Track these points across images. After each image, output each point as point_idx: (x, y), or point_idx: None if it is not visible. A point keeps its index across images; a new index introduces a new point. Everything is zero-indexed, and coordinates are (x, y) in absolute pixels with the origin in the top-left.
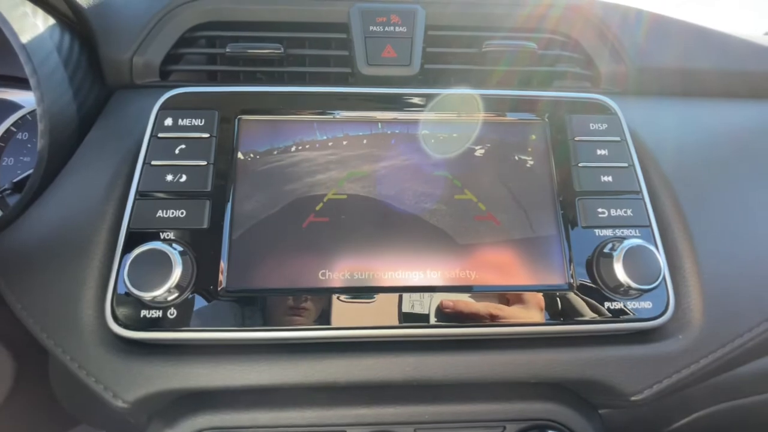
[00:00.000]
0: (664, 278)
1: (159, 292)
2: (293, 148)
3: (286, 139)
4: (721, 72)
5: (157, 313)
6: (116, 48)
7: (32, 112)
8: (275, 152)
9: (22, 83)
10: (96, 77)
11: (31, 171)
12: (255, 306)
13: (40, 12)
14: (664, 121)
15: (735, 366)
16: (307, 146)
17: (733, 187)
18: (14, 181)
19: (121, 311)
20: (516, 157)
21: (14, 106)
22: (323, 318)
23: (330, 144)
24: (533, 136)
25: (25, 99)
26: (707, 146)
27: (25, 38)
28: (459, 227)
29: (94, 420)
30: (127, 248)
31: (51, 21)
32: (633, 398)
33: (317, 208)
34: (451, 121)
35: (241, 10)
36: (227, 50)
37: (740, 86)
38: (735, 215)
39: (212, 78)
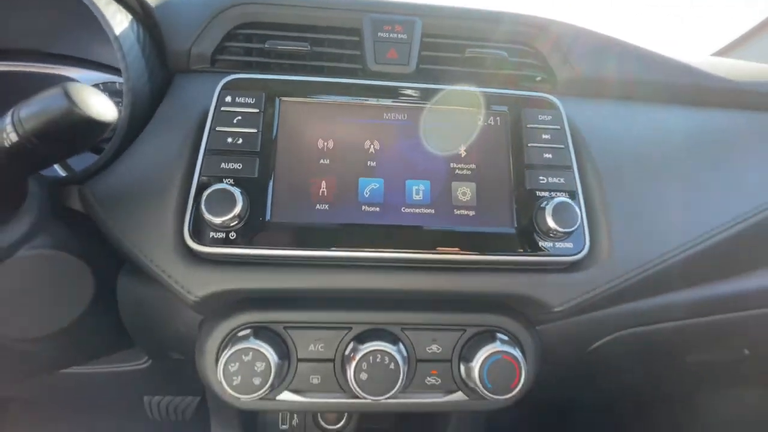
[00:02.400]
0: (581, 225)
1: (226, 218)
2: (320, 122)
3: (314, 115)
4: (646, 82)
5: (221, 235)
6: (178, 40)
7: None
8: (307, 124)
9: (78, 62)
10: (162, 63)
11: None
12: (291, 233)
13: (122, 8)
14: (599, 115)
15: (635, 298)
16: (330, 121)
17: (647, 169)
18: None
19: (196, 232)
20: (485, 137)
21: (72, 81)
22: (340, 243)
23: (347, 119)
24: (498, 123)
25: (81, 75)
26: (630, 136)
27: (117, 30)
28: (443, 187)
29: (149, 340)
30: (200, 188)
31: (130, 16)
32: (556, 309)
33: (337, 164)
34: (438, 109)
35: (276, 14)
36: (265, 45)
37: (664, 95)
38: (644, 187)
39: (249, 66)
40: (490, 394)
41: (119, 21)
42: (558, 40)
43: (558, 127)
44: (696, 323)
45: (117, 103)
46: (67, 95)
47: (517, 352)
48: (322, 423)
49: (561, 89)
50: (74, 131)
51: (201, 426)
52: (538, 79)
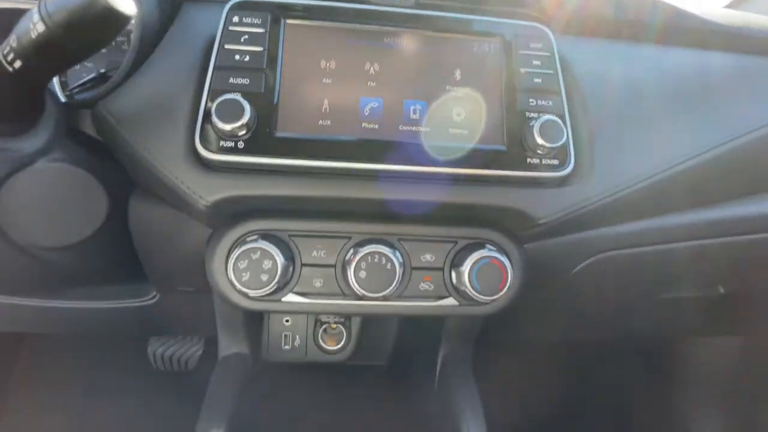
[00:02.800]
0: (567, 143)
1: (235, 125)
2: (322, 44)
3: (317, 37)
4: (638, 23)
5: (230, 144)
6: None
7: None
8: (310, 45)
9: None
10: None
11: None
12: (295, 145)
13: None
14: (590, 50)
15: (614, 221)
16: (332, 43)
17: (633, 99)
18: (101, 71)
19: (206, 141)
20: (479, 63)
21: None
22: (341, 155)
23: (349, 42)
24: (492, 49)
25: None
26: (618, 69)
27: None
28: (439, 107)
29: (159, 266)
30: (209, 99)
31: None
32: (541, 221)
33: (339, 83)
34: (435, 36)
35: None
36: None
37: (658, 36)
38: (628, 115)
39: None
40: (479, 295)
41: None
42: None
43: (548, 54)
44: (671, 249)
45: (128, 32)
46: None
47: (504, 258)
48: (322, 344)
49: (555, 26)
50: (97, 23)
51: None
52: (531, 9)
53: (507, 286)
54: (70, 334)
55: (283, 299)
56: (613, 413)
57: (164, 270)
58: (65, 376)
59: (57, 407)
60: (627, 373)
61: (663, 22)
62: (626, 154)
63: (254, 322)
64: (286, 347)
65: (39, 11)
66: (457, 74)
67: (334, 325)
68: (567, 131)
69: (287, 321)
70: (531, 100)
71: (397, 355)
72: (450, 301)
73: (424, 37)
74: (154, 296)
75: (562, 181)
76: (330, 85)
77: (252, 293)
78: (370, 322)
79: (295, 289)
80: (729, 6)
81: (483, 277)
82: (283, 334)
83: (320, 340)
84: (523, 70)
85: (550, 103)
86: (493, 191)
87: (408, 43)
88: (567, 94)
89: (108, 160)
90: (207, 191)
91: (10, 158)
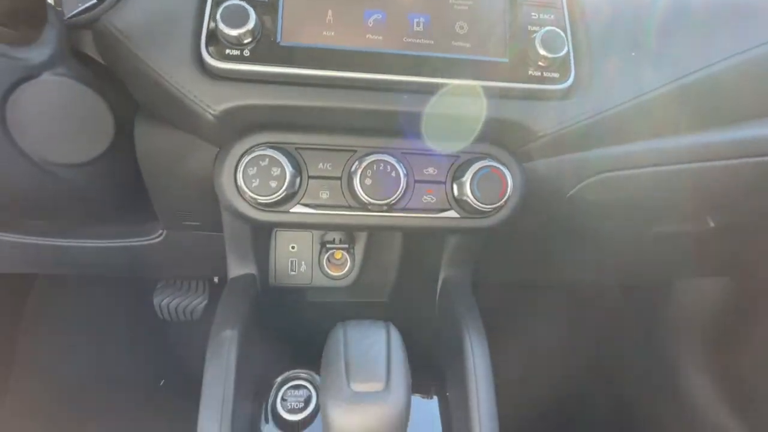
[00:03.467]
0: (568, 56)
1: (241, 31)
2: None
3: None
4: None
5: (236, 52)
6: None
7: None
8: None
9: None
10: None
11: None
12: (300, 53)
13: None
14: None
15: (611, 142)
16: None
17: (634, 18)
18: None
19: (212, 48)
20: None
21: None
22: (345, 65)
23: None
24: None
25: None
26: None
27: None
28: (442, 21)
29: (165, 196)
30: (213, 5)
31: None
32: (540, 134)
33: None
34: None
35: None
36: None
37: None
38: (629, 33)
39: None
40: (480, 204)
41: None
42: None
43: None
44: (666, 172)
45: None
46: None
47: (503, 168)
48: (327, 270)
49: None
50: None
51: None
52: None
53: (507, 195)
54: (78, 277)
55: (291, 210)
56: (602, 353)
57: (171, 199)
58: (74, 320)
59: (66, 349)
60: (617, 315)
61: None
62: (626, 69)
63: (262, 245)
64: (293, 272)
65: None
66: None
67: (338, 254)
68: (568, 43)
69: (293, 247)
70: (533, 13)
71: (397, 292)
72: (452, 213)
73: None
74: (161, 234)
75: (563, 95)
76: None
77: (261, 199)
78: (371, 254)
79: (303, 201)
80: None
81: (483, 185)
82: (289, 260)
83: (325, 266)
84: None
85: (552, 16)
86: (493, 103)
87: None
88: (568, 5)
89: (110, 83)
90: (214, 100)
91: (16, 66)
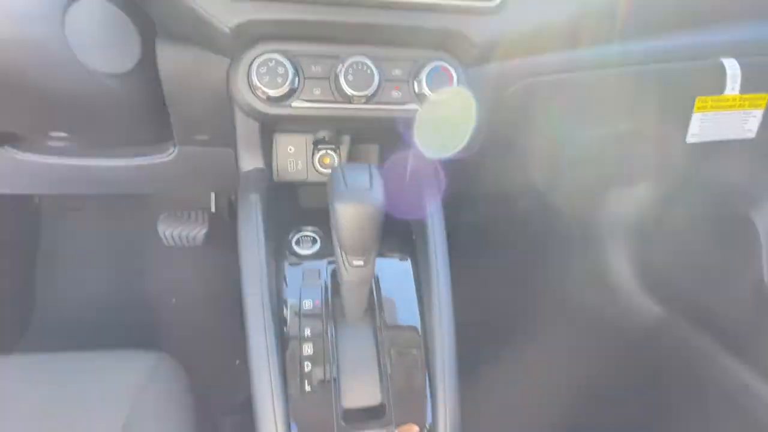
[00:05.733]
0: None
1: None
2: None
3: None
4: None
5: None
6: None
7: None
8: None
9: None
10: None
11: None
12: None
13: None
14: None
15: (534, 52)
16: None
17: None
18: None
19: None
20: None
21: None
22: None
23: None
24: None
25: None
26: None
27: None
28: None
29: (182, 109)
30: None
31: None
32: (475, 41)
33: None
34: None
35: None
36: None
37: None
38: None
39: None
40: (431, 92)
41: None
42: None
43: None
44: (579, 77)
45: None
46: None
47: (451, 68)
48: (319, 167)
49: None
50: None
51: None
52: None
53: (454, 83)
54: (89, 204)
55: (293, 104)
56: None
57: (188, 113)
58: (87, 249)
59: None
60: (555, 224)
61: None
62: None
63: (267, 143)
64: (291, 170)
65: None
66: None
67: (326, 159)
68: None
69: (291, 149)
70: None
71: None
72: (413, 105)
73: None
74: (172, 152)
75: (493, 11)
76: None
77: (271, 93)
78: (353, 156)
79: (301, 97)
80: None
81: (435, 80)
82: (288, 160)
83: (317, 165)
84: None
85: None
86: (440, 16)
87: None
88: None
89: (137, 8)
90: (230, 16)
91: None
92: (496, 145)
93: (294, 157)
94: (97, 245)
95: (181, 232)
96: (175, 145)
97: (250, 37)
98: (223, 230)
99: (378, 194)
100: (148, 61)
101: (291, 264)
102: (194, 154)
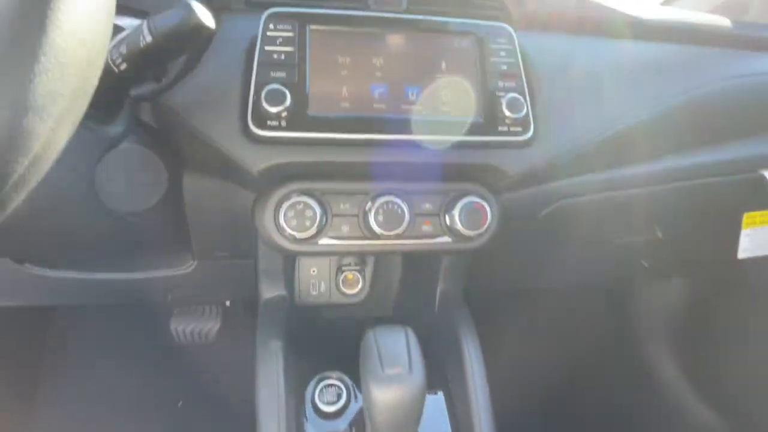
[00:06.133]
0: (528, 114)
1: (280, 108)
2: (339, 44)
3: (335, 38)
4: (580, 18)
5: (276, 123)
6: None
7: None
8: (330, 45)
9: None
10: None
11: None
12: (326, 122)
13: None
14: (544, 41)
15: (572, 175)
16: (347, 43)
17: (578, 77)
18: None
19: (256, 119)
20: (459, 55)
21: (118, 28)
22: (360, 129)
23: (359, 42)
24: (468, 44)
25: (123, 22)
26: (566, 55)
27: None
28: (430, 90)
29: (205, 233)
30: (257, 89)
31: None
32: (510, 174)
33: (354, 74)
34: (425, 35)
35: None
36: None
37: (598, 29)
38: (575, 90)
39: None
40: (466, 231)
41: None
42: None
43: (511, 47)
44: (619, 196)
45: None
46: (189, 7)
47: (484, 203)
48: (343, 289)
49: (516, 23)
50: (190, 35)
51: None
52: (498, 13)
53: (487, 224)
54: (98, 307)
55: (320, 242)
56: (578, 351)
57: (210, 235)
58: (95, 349)
59: (88, 379)
60: (589, 316)
61: (600, 19)
62: (575, 122)
63: (289, 270)
64: (314, 292)
65: (148, 26)
66: (443, 64)
67: (350, 275)
68: (527, 105)
69: (314, 271)
70: (499, 82)
71: (400, 305)
72: (445, 238)
73: (415, 36)
74: (191, 264)
75: (526, 144)
76: (347, 75)
77: (298, 236)
78: (379, 274)
79: (329, 234)
80: (664, 3)
81: (468, 216)
82: (311, 282)
83: (341, 286)
84: (492, 59)
85: (514, 84)
86: (474, 152)
87: (404, 41)
88: (526, 76)
89: (163, 144)
90: (258, 160)
91: (104, 139)
92: (523, 248)
93: (317, 278)
94: (107, 341)
95: (194, 328)
96: (194, 258)
97: (277, 177)
98: (237, 324)
99: (418, 372)
100: (173, 193)
101: (313, 425)
102: (214, 266)
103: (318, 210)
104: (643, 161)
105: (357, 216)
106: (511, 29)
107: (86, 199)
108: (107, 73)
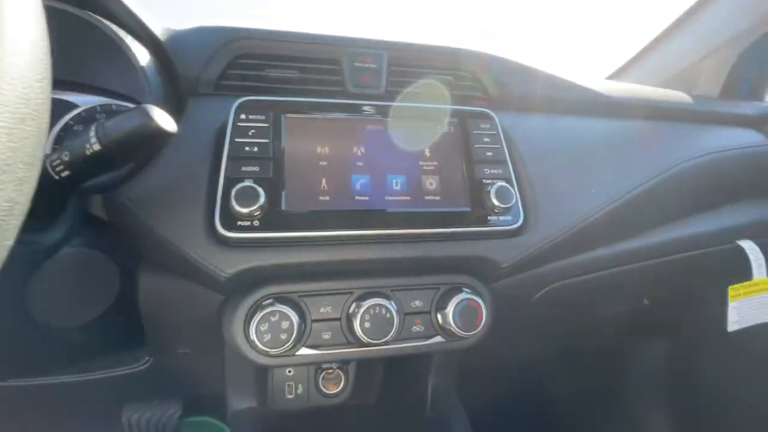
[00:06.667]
0: (516, 203)
1: (252, 208)
2: (316, 133)
3: (312, 128)
4: (557, 99)
5: (247, 223)
6: (189, 67)
7: (87, 109)
8: (306, 135)
9: (76, 86)
10: (174, 87)
11: None
12: (302, 219)
13: (136, 41)
14: (525, 123)
15: (561, 257)
16: (324, 132)
17: (561, 160)
18: None
19: (224, 220)
20: (443, 141)
21: (71, 105)
22: (340, 225)
23: (338, 131)
24: (451, 130)
25: (78, 99)
26: (548, 137)
27: (142, 62)
28: (415, 179)
29: (163, 333)
30: (226, 186)
31: (144, 48)
32: (503, 265)
33: (333, 164)
34: (406, 121)
35: (270, 46)
36: (262, 72)
37: (572, 109)
38: (560, 173)
39: (247, 90)
40: (461, 332)
41: (140, 51)
42: (489, 68)
43: (495, 132)
44: (606, 275)
45: None
46: (146, 112)
47: (478, 299)
48: (323, 389)
49: (495, 105)
50: (147, 140)
51: None
52: (478, 95)
53: (483, 321)
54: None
55: (297, 353)
56: (571, 414)
57: (169, 333)
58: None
59: None
60: (579, 381)
61: (575, 99)
62: (563, 204)
63: (261, 378)
64: (290, 396)
65: (96, 133)
66: (427, 152)
67: (331, 371)
68: (516, 193)
69: (290, 372)
70: (485, 169)
71: (385, 393)
72: (438, 339)
73: (396, 124)
74: (147, 360)
75: (516, 232)
76: (326, 166)
77: (273, 351)
78: (363, 370)
79: (308, 343)
80: (610, 77)
81: (463, 315)
82: (286, 384)
83: (321, 386)
84: (476, 146)
85: (500, 170)
86: (463, 244)
87: (385, 129)
88: (512, 162)
89: (115, 239)
90: (227, 265)
91: (38, 251)
92: (516, 328)
93: (293, 380)
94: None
95: (150, 418)
96: (150, 355)
97: (249, 281)
98: (201, 410)
99: None
100: (125, 293)
101: None
102: (173, 360)
103: (295, 318)
104: (632, 238)
105: (339, 320)
106: (493, 113)
107: (17, 319)
108: (45, 179)
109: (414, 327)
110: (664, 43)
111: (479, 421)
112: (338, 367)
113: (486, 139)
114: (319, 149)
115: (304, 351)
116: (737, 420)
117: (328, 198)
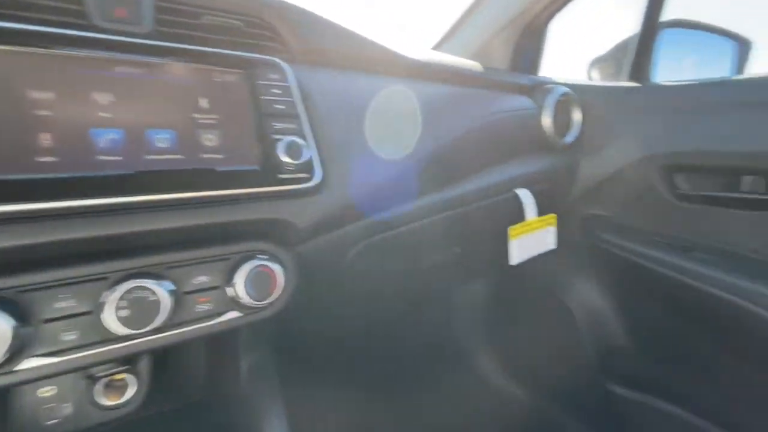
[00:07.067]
0: (312, 159)
1: None
2: (34, 72)
3: (25, 64)
4: (358, 56)
5: None
6: None
7: None
8: (17, 74)
9: None
10: None
11: None
12: (11, 187)
13: None
14: (325, 78)
15: (366, 216)
16: (47, 71)
17: (361, 116)
18: None
19: None
20: (225, 92)
21: None
22: (72, 193)
23: (70, 71)
24: (235, 79)
25: None
26: (349, 94)
27: None
28: (188, 135)
29: None
30: None
31: None
32: (301, 227)
33: (61, 115)
34: (177, 66)
35: None
36: None
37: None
38: (361, 129)
39: None
40: (254, 302)
41: None
42: (287, 17)
43: (286, 84)
44: (417, 226)
45: None
46: None
47: (274, 265)
48: (105, 401)
49: (294, 58)
50: None
51: None
52: (274, 46)
53: (280, 290)
54: None
55: (19, 368)
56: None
57: None
58: None
59: None
60: (413, 331)
61: (377, 58)
62: (364, 160)
63: None
64: (53, 421)
65: None
66: (204, 102)
67: (119, 376)
68: (311, 150)
69: (51, 391)
70: (275, 123)
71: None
72: (232, 314)
73: (163, 67)
74: None
75: (314, 191)
76: (50, 117)
77: None
78: (165, 366)
79: (38, 352)
80: (434, 48)
81: (255, 285)
82: (42, 409)
83: (96, 399)
84: (263, 98)
85: (293, 126)
86: (252, 207)
87: (146, 72)
88: (309, 117)
89: None
90: None
91: None
92: (339, 288)
93: (56, 401)
94: None
95: None
96: None
97: None
98: None
99: None
100: None
101: None
102: None
103: (8, 323)
104: (434, 192)
105: (90, 313)
106: (285, 65)
107: None
108: None
109: (198, 307)
110: (470, 18)
111: (309, 394)
112: (124, 371)
113: (275, 91)
114: (36, 94)
115: (32, 363)
116: (540, 341)
117: (52, 159)
